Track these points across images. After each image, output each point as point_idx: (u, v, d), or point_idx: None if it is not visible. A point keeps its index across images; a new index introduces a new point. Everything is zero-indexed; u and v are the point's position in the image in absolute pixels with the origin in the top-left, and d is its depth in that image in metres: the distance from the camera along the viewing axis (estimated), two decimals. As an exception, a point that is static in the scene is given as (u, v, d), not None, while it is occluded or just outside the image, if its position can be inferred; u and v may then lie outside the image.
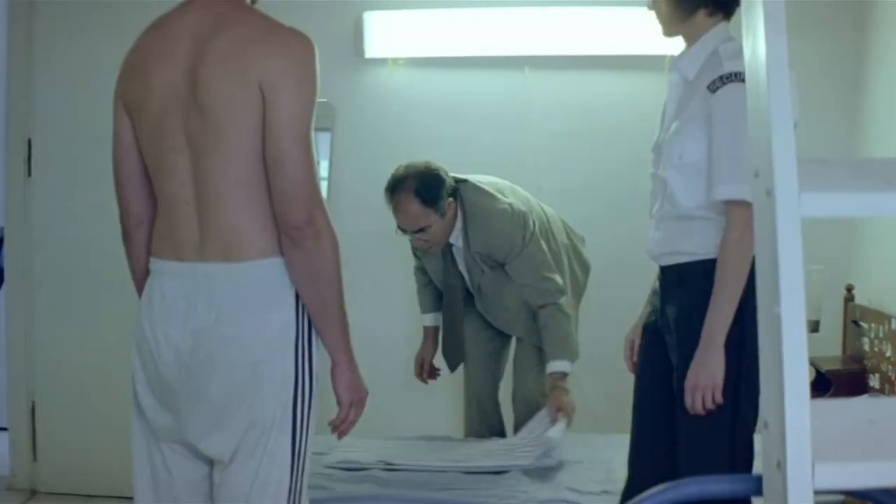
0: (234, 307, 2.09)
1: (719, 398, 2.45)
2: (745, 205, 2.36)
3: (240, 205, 2.10)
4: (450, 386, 4.13)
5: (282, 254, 2.12)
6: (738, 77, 2.41)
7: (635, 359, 2.79)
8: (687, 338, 2.51)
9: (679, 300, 2.58)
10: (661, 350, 2.64)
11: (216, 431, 2.11)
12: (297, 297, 2.13)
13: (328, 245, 2.09)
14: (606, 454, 3.41)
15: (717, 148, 2.46)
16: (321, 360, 2.18)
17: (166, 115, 2.12)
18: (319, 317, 2.14)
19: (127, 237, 2.29)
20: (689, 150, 2.50)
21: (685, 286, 2.57)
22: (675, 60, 2.61)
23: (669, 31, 2.62)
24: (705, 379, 2.44)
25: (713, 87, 2.46)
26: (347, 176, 4.31)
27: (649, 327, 2.72)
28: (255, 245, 2.11)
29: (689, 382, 2.46)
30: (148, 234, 2.25)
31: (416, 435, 3.88)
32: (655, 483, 1.75)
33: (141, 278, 2.28)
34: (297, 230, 2.05)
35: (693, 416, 2.49)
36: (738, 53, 2.37)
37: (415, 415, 4.33)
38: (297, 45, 2.09)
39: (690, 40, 2.58)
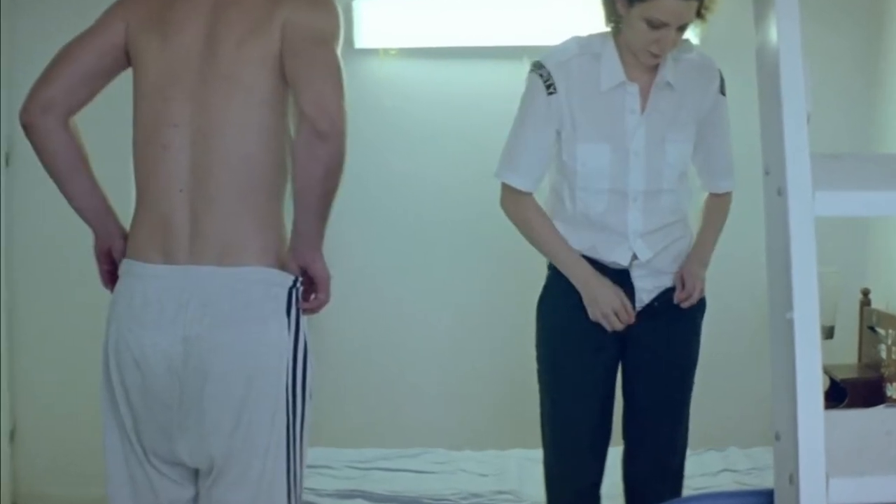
0: (230, 313, 2.07)
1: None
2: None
3: (241, 195, 2.10)
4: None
5: (276, 264, 2.12)
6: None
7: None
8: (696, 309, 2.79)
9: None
10: (611, 352, 2.76)
11: (208, 446, 2.10)
12: (289, 310, 2.12)
13: (344, 140, 2.09)
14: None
15: (724, 145, 2.80)
16: (314, 376, 2.17)
17: (173, 81, 2.12)
18: (318, 215, 2.13)
19: (29, 127, 2.19)
20: (687, 159, 2.74)
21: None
22: (660, 75, 2.67)
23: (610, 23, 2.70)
24: (701, 280, 2.77)
25: (723, 90, 2.75)
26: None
27: (599, 332, 2.73)
28: (253, 248, 2.10)
29: (697, 279, 2.74)
30: (57, 121, 2.18)
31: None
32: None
33: (66, 175, 2.22)
34: (331, 121, 2.05)
35: (681, 394, 2.81)
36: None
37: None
38: None
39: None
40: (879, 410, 2.83)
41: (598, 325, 2.70)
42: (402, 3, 4.33)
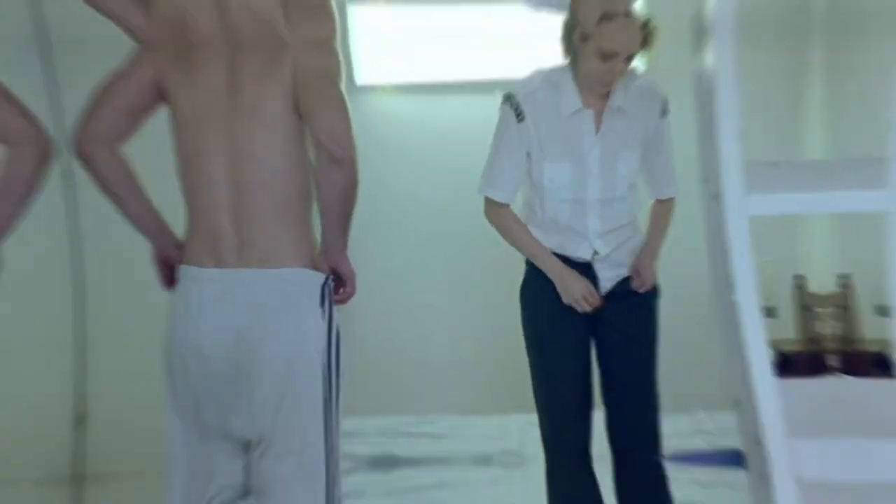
0: (274, 307, 2.08)
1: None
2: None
3: (276, 212, 2.10)
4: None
5: (310, 265, 2.12)
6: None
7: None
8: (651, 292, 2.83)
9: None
10: (585, 329, 2.79)
11: (258, 420, 2.09)
12: (322, 302, 2.12)
13: (356, 166, 2.08)
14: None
15: (667, 158, 2.84)
16: (346, 357, 2.17)
17: (206, 116, 2.10)
18: (341, 226, 2.14)
19: (86, 159, 2.15)
20: (636, 172, 2.78)
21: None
22: (612, 101, 2.70)
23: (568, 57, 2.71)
24: (653, 270, 2.82)
25: (665, 112, 2.77)
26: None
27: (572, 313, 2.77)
28: (290, 253, 2.10)
29: (648, 269, 2.80)
30: (110, 152, 2.16)
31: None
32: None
33: (123, 200, 2.20)
34: (343, 150, 2.04)
35: (646, 361, 2.81)
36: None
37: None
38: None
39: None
40: (829, 380, 2.85)
41: (571, 308, 2.77)
42: (396, 44, 4.28)
